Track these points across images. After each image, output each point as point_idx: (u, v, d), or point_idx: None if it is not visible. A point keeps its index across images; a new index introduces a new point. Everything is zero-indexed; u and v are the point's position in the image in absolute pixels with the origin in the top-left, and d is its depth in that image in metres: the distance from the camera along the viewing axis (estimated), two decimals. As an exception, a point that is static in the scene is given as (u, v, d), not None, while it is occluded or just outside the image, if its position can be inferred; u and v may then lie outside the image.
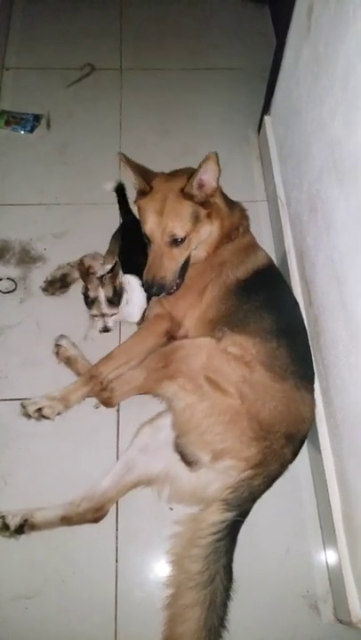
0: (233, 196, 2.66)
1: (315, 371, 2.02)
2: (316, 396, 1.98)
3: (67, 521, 1.87)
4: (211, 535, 1.69)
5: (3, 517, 1.87)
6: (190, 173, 1.92)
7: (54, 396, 2.01)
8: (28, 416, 2.01)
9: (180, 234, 1.91)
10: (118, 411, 2.16)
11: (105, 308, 2.06)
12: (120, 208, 2.52)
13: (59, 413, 2.01)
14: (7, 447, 2.07)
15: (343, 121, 1.69)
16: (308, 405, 1.88)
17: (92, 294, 2.05)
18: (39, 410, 1.99)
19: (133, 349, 2.04)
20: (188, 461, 1.85)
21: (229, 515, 1.71)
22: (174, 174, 2.04)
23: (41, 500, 1.93)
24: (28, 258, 2.48)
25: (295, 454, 1.84)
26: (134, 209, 2.14)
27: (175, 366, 1.88)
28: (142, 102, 3.01)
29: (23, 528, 1.86)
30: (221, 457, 1.76)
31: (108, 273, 2.04)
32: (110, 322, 2.12)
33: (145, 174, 1.96)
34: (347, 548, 1.78)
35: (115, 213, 2.59)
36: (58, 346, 2.20)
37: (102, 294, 2.03)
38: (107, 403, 2.04)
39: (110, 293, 2.04)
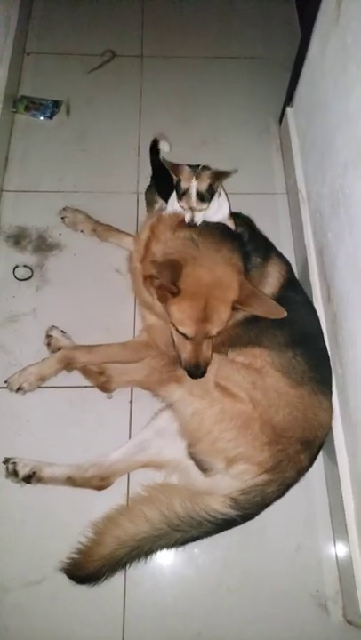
0: (251, 188, 2.65)
1: (332, 371, 2.00)
2: (332, 397, 1.95)
3: (72, 482, 1.91)
4: (204, 513, 1.71)
5: (14, 464, 1.95)
6: (230, 266, 1.71)
7: (30, 374, 2.08)
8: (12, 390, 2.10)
9: (217, 332, 1.75)
10: (131, 402, 2.15)
11: (194, 202, 1.82)
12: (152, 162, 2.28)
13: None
14: (20, 434, 2.08)
15: (372, 114, 1.64)
16: (326, 411, 1.85)
17: (183, 185, 1.81)
18: (19, 388, 2.08)
19: (113, 356, 2.08)
20: (202, 468, 1.83)
21: (232, 512, 1.71)
22: (209, 269, 1.69)
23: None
24: (44, 245, 2.46)
25: (312, 461, 1.81)
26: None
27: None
28: (163, 90, 2.96)
29: (31, 479, 1.93)
30: (235, 462, 1.74)
31: (204, 168, 1.85)
32: (198, 217, 1.85)
33: (175, 268, 1.66)
34: (359, 549, 1.77)
35: (132, 201, 2.57)
36: (49, 337, 2.20)
37: (194, 187, 1.81)
38: (102, 387, 2.08)
39: (203, 188, 1.80)
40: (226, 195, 1.96)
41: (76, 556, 1.75)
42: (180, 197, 1.82)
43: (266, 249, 2.05)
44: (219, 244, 1.76)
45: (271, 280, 1.98)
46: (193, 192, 1.78)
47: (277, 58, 3.04)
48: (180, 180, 1.79)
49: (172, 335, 1.82)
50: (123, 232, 2.45)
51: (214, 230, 1.81)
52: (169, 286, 1.64)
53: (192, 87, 2.99)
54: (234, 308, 1.70)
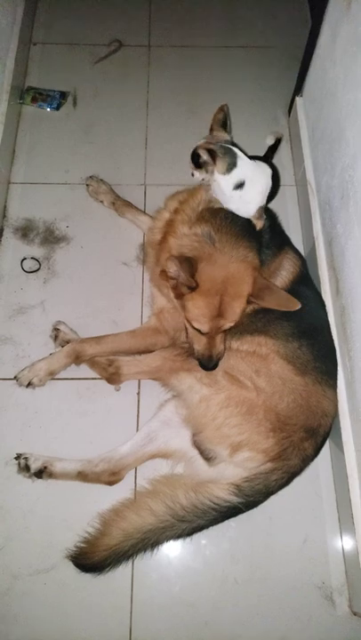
0: (260, 180, 2.62)
1: (339, 364, 1.99)
2: (339, 388, 1.95)
3: (82, 477, 1.93)
4: (208, 501, 1.73)
5: (26, 459, 1.97)
6: (244, 263, 1.70)
7: (40, 369, 2.08)
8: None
9: (231, 326, 1.79)
10: (139, 394, 2.16)
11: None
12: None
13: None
14: (28, 426, 2.09)
15: (383, 104, 1.61)
16: (330, 400, 1.85)
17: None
18: (30, 384, 2.09)
19: (123, 345, 2.07)
20: (206, 457, 1.84)
21: (235, 499, 1.73)
22: (224, 266, 1.70)
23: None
24: (52, 237, 2.46)
25: (317, 450, 1.82)
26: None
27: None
28: (170, 80, 2.93)
29: (42, 473, 1.95)
30: (240, 449, 1.75)
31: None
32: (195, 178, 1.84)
33: (190, 264, 1.65)
34: (365, 542, 1.77)
35: (139, 194, 2.56)
36: (56, 330, 2.20)
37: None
38: (111, 379, 2.08)
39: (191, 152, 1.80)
40: (259, 193, 1.84)
41: (82, 545, 1.78)
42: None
43: (282, 242, 2.04)
44: (236, 242, 1.74)
45: (284, 273, 1.97)
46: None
47: (287, 47, 3.00)
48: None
49: (185, 327, 1.86)
50: (140, 210, 2.48)
51: (233, 227, 1.78)
52: (187, 281, 1.65)
53: (200, 77, 2.96)
54: (248, 302, 1.72)
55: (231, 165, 1.78)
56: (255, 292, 1.69)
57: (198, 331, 1.77)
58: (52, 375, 2.09)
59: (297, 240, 2.49)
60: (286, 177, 2.67)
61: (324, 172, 2.24)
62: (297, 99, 2.63)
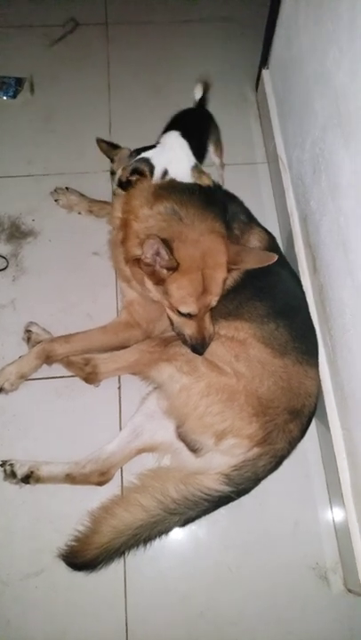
0: (231, 159, 2.55)
1: (319, 342, 1.96)
2: (322, 367, 1.93)
3: (71, 479, 1.88)
4: (199, 492, 1.70)
5: (12, 465, 1.91)
6: (214, 233, 1.68)
7: (10, 373, 2.01)
8: None
9: (217, 301, 1.75)
10: (119, 388, 2.11)
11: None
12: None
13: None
14: (7, 429, 2.04)
15: (350, 70, 1.55)
16: (312, 379, 1.83)
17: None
18: (1, 389, 2.02)
19: (94, 342, 2.01)
20: (192, 449, 1.81)
21: (226, 488, 1.71)
22: (197, 240, 1.66)
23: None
24: (18, 233, 2.37)
25: (303, 431, 1.80)
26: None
27: (174, 349, 1.84)
28: (131, 59, 2.81)
29: (29, 479, 1.89)
30: (224, 436, 1.72)
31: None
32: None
33: (166, 244, 1.60)
34: (356, 520, 1.76)
35: (108, 180, 2.46)
36: (28, 332, 2.13)
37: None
38: (89, 379, 2.00)
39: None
40: (181, 161, 1.91)
41: (73, 543, 1.74)
42: None
43: (247, 219, 1.99)
44: (203, 214, 1.71)
45: (252, 246, 1.93)
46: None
47: (250, 18, 2.89)
48: None
49: (169, 318, 1.80)
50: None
51: (195, 198, 1.75)
52: (168, 262, 1.60)
53: (162, 55, 2.85)
54: (229, 271, 1.70)
55: (151, 167, 1.87)
56: (232, 259, 1.68)
57: (186, 315, 1.71)
58: (23, 378, 2.02)
59: (272, 220, 2.44)
60: (258, 154, 2.61)
61: (295, 147, 2.18)
62: (263, 71, 2.55)
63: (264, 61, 2.52)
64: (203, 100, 2.32)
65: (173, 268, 1.62)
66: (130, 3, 2.99)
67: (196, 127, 2.14)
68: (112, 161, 2.02)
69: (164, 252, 1.57)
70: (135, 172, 1.87)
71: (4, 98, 2.65)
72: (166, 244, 1.59)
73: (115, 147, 2.05)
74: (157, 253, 1.60)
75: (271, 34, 2.37)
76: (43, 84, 2.72)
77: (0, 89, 2.65)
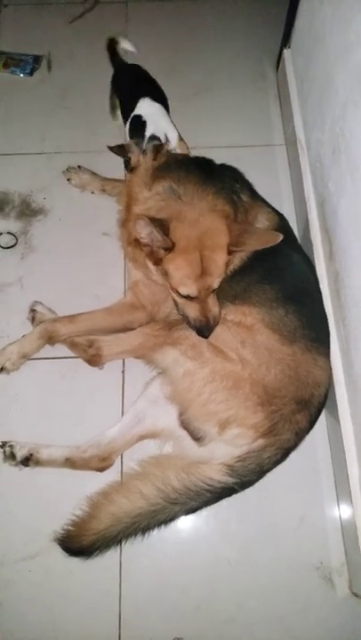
0: (248, 141, 2.47)
1: (332, 332, 1.87)
2: (334, 358, 1.84)
3: (71, 464, 1.84)
4: (201, 482, 1.65)
5: (11, 446, 1.88)
6: (215, 212, 1.62)
7: (11, 353, 1.97)
8: None
9: (219, 283, 1.69)
10: (123, 372, 2.05)
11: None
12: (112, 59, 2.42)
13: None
14: (8, 409, 2.00)
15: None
16: (322, 369, 1.74)
17: None
18: (2, 369, 1.98)
19: (98, 324, 1.96)
20: (195, 437, 1.74)
21: (230, 479, 1.64)
22: (196, 220, 1.61)
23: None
24: (28, 210, 2.33)
25: (312, 422, 1.71)
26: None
27: (179, 333, 1.79)
28: (150, 37, 2.74)
29: (28, 461, 1.86)
30: (228, 425, 1.66)
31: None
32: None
33: (162, 226, 1.56)
34: (365, 519, 1.67)
35: (119, 161, 2.40)
36: (33, 311, 2.09)
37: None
38: (92, 361, 1.95)
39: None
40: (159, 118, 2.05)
41: (70, 528, 1.70)
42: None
43: (253, 195, 1.91)
44: (202, 191, 1.66)
45: (259, 226, 1.85)
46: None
47: (272, -3, 2.79)
48: None
49: (174, 300, 1.76)
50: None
51: (194, 174, 1.70)
52: (162, 241, 1.56)
53: (181, 33, 2.78)
54: (230, 253, 1.63)
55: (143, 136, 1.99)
56: (234, 240, 1.61)
57: (187, 297, 1.66)
58: (25, 358, 1.98)
59: (289, 204, 2.35)
60: (276, 136, 2.51)
61: (314, 127, 2.09)
62: (285, 51, 2.45)
63: (286, 40, 2.42)
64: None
65: (169, 248, 1.58)
66: (150, -20, 2.91)
67: (152, 84, 2.26)
68: (129, 159, 1.98)
69: (156, 233, 1.54)
70: (157, 149, 1.87)
71: (21, 75, 2.62)
72: (164, 223, 1.55)
73: (121, 146, 2.01)
74: (152, 233, 1.57)
75: (294, 11, 2.28)
76: (60, 61, 2.68)
77: (17, 66, 2.62)
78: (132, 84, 2.21)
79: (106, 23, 2.78)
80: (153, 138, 1.95)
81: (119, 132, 2.47)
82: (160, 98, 2.17)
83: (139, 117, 2.04)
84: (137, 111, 2.06)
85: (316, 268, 1.99)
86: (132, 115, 2.07)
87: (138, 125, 2.03)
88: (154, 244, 1.60)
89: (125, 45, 2.39)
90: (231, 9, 2.85)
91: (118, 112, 2.30)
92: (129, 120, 2.09)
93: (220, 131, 2.50)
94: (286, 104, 2.43)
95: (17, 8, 2.83)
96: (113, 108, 2.36)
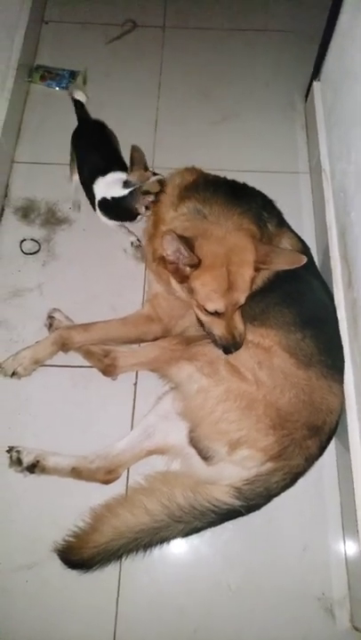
0: (273, 167, 2.52)
1: (347, 360, 1.86)
2: (348, 387, 1.83)
3: (77, 474, 1.82)
4: (207, 503, 1.63)
5: (18, 452, 1.87)
6: (241, 231, 1.65)
7: (24, 358, 1.98)
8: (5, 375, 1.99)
9: (245, 299, 1.70)
10: (135, 384, 2.05)
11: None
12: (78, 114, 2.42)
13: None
14: (18, 413, 2.00)
15: None
16: (335, 395, 1.73)
17: None
18: (14, 373, 1.98)
19: (113, 333, 1.97)
20: (204, 456, 1.72)
21: (236, 502, 1.63)
22: (222, 237, 1.64)
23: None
24: (53, 219, 2.37)
25: (322, 449, 1.70)
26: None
27: (197, 349, 1.79)
28: (184, 63, 2.82)
29: (34, 468, 1.84)
30: (238, 446, 1.64)
31: None
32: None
33: (188, 243, 1.58)
34: (370, 552, 1.64)
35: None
36: (51, 317, 2.11)
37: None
38: (107, 371, 1.96)
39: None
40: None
41: (71, 539, 1.68)
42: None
43: (280, 221, 1.93)
44: (228, 211, 1.69)
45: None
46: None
47: (305, 32, 2.87)
48: None
49: (198, 319, 1.77)
50: None
51: (219, 195, 1.74)
52: (188, 257, 1.56)
53: (214, 61, 2.85)
54: (256, 270, 1.65)
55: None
56: (260, 258, 1.63)
57: (214, 313, 1.67)
58: (37, 364, 1.99)
59: (310, 231, 2.37)
60: (300, 164, 2.55)
61: (340, 158, 2.12)
62: (314, 83, 2.51)
63: (316, 73, 2.48)
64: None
65: (195, 265, 1.60)
66: (188, 9, 3.01)
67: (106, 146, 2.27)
68: (130, 169, 2.01)
69: (183, 249, 1.56)
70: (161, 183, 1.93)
71: (57, 88, 2.69)
72: (190, 241, 1.58)
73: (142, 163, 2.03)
74: (179, 250, 1.58)
75: (326, 46, 2.34)
76: (96, 78, 2.74)
77: (54, 80, 2.69)
78: (88, 151, 2.22)
79: (143, 46, 2.87)
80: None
81: (150, 150, 2.53)
82: (113, 158, 2.20)
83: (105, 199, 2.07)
84: (98, 193, 2.09)
85: (335, 295, 2.00)
86: (97, 198, 2.09)
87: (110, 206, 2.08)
88: (180, 262, 1.62)
89: (78, 96, 2.41)
90: (264, 41, 2.93)
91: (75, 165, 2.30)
92: (97, 202, 2.11)
93: (247, 156, 2.54)
94: (313, 134, 2.48)
95: (58, 25, 2.92)
96: (72, 162, 2.33)
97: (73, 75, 2.72)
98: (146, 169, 1.96)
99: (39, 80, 2.69)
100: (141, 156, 2.01)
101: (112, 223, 2.17)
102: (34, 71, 2.71)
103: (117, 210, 2.06)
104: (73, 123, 2.59)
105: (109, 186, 2.05)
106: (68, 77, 2.70)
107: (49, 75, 2.70)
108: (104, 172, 2.07)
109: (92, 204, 2.15)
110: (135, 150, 2.00)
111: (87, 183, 2.14)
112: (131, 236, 2.26)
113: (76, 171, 2.26)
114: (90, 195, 2.15)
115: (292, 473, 1.65)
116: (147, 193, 1.90)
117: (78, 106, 2.41)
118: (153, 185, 1.90)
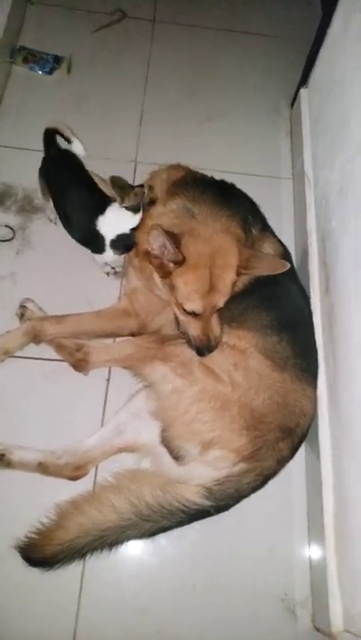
0: (256, 171, 2.53)
1: (321, 364, 1.89)
2: (320, 391, 1.86)
3: (43, 469, 1.77)
4: (176, 502, 1.62)
5: None
6: (228, 233, 1.66)
7: None
8: None
9: (224, 302, 1.70)
10: (108, 380, 2.02)
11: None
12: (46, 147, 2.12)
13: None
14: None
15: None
16: (309, 399, 1.76)
17: None
18: None
19: (87, 326, 1.93)
20: (175, 456, 1.70)
21: (206, 502, 1.62)
22: (209, 238, 1.64)
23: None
24: (30, 207, 2.30)
25: (293, 451, 1.71)
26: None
27: (171, 349, 1.77)
28: (173, 58, 2.80)
29: None
30: (211, 447, 1.63)
31: None
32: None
33: (174, 239, 1.58)
34: (335, 554, 1.67)
35: (129, 170, 2.42)
36: (23, 307, 2.04)
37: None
38: (78, 366, 1.92)
39: None
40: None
41: (34, 536, 1.63)
42: None
43: (263, 226, 1.95)
44: (217, 212, 1.70)
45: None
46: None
47: (295, 39, 2.89)
48: None
49: (176, 317, 1.76)
50: None
51: (209, 195, 1.74)
52: (173, 254, 1.56)
53: (203, 59, 2.84)
54: (238, 274, 1.65)
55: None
56: (243, 263, 1.64)
57: (191, 314, 1.67)
58: (7, 354, 1.92)
59: (289, 235, 2.39)
60: (283, 169, 2.57)
61: (324, 165, 2.15)
62: (302, 90, 2.53)
63: (304, 80, 2.51)
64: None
65: (179, 262, 1.59)
66: (180, 4, 2.98)
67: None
68: (122, 200, 1.79)
69: (169, 245, 1.55)
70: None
71: (40, 73, 2.61)
72: (176, 237, 1.57)
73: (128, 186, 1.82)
74: (164, 246, 1.57)
75: (315, 54, 2.36)
76: (80, 66, 2.69)
77: (37, 63, 2.61)
78: (68, 191, 1.99)
79: (131, 37, 2.83)
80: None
81: (134, 144, 2.48)
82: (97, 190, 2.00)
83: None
84: (109, 232, 1.88)
85: (312, 299, 2.03)
86: (110, 237, 1.89)
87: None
88: (164, 257, 1.61)
89: (76, 149, 2.10)
90: (255, 45, 2.93)
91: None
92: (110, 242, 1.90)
93: (230, 157, 2.54)
94: (298, 140, 2.50)
95: (44, 7, 2.84)
96: (44, 193, 2.16)
97: (57, 60, 2.65)
98: (132, 188, 1.82)
99: (22, 62, 2.60)
100: (125, 181, 1.83)
101: (117, 259, 2.00)
102: (16, 52, 2.62)
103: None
104: (55, 109, 2.54)
105: (119, 220, 1.85)
106: (52, 62, 2.63)
107: (32, 57, 2.62)
108: (102, 211, 1.87)
109: (97, 248, 1.94)
110: (116, 179, 1.82)
111: (81, 227, 1.95)
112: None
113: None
114: (89, 238, 1.94)
115: (264, 475, 1.66)
116: (151, 203, 1.84)
117: (49, 137, 2.10)
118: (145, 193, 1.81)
